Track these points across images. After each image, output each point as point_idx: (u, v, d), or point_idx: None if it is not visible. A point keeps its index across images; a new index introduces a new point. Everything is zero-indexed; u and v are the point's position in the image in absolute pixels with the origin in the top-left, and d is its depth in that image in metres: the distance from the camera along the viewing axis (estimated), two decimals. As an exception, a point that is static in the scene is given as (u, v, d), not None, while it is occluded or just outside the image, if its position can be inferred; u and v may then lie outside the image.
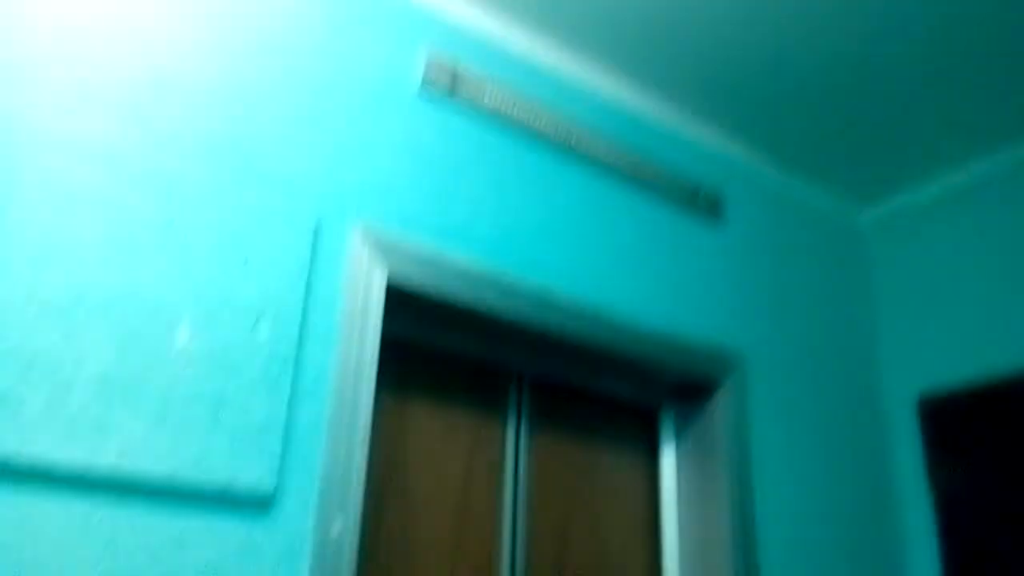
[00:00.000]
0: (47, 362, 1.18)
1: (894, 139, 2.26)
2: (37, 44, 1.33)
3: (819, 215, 2.50)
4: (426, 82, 1.75)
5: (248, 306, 1.37)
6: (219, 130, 1.47)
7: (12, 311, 1.17)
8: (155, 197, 1.34)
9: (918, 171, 2.38)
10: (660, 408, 2.12)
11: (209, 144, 1.45)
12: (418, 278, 1.61)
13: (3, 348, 1.15)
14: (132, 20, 1.44)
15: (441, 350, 1.82)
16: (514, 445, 1.87)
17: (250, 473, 1.29)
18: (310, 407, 1.41)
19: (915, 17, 1.85)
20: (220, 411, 1.29)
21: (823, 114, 2.18)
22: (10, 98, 1.27)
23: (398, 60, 1.75)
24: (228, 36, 1.54)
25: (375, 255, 1.56)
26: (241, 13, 1.57)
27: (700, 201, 2.15)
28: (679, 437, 2.08)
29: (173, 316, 1.30)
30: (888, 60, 1.99)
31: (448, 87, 1.78)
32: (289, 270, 1.44)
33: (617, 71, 2.07)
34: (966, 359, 2.20)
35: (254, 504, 1.30)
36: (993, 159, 2.29)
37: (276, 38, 1.60)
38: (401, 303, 1.64)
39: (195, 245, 1.35)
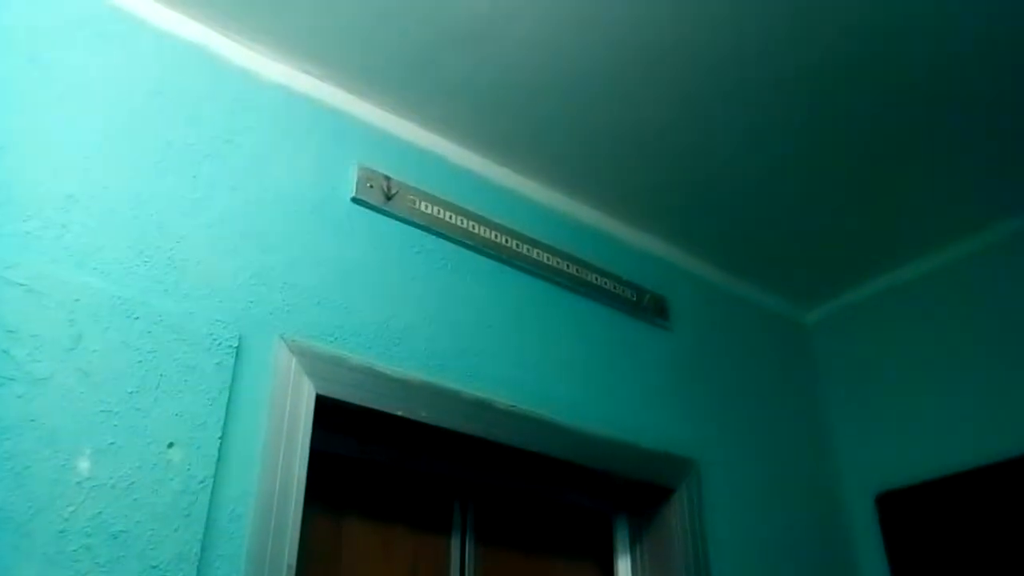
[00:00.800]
0: (-76, 502, 1.07)
1: (834, 241, 2.30)
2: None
3: (765, 316, 2.51)
4: (359, 192, 1.72)
5: (160, 428, 1.28)
6: (135, 243, 1.40)
7: None
8: (61, 315, 1.26)
9: (860, 271, 2.43)
10: (613, 515, 2.04)
11: (125, 258, 1.37)
12: (351, 390, 1.53)
13: None
14: (46, 136, 1.38)
15: (378, 464, 1.72)
16: (459, 560, 1.76)
17: (154, 618, 1.18)
18: (229, 537, 1.29)
19: (848, 127, 1.91)
20: (123, 548, 1.18)
21: (763, 219, 2.21)
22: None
23: (330, 171, 1.72)
24: (150, 148, 1.49)
25: (303, 368, 1.48)
26: (166, 126, 1.52)
27: (646, 305, 2.13)
28: (634, 544, 2.00)
29: (74, 443, 1.19)
30: (826, 169, 2.03)
31: (382, 197, 1.75)
32: (208, 387, 1.35)
33: (553, 181, 2.07)
34: (919, 455, 2.20)
35: (158, 654, 1.18)
36: (930, 259, 2.34)
37: (201, 149, 1.55)
38: (333, 417, 1.55)
39: (103, 365, 1.26)
